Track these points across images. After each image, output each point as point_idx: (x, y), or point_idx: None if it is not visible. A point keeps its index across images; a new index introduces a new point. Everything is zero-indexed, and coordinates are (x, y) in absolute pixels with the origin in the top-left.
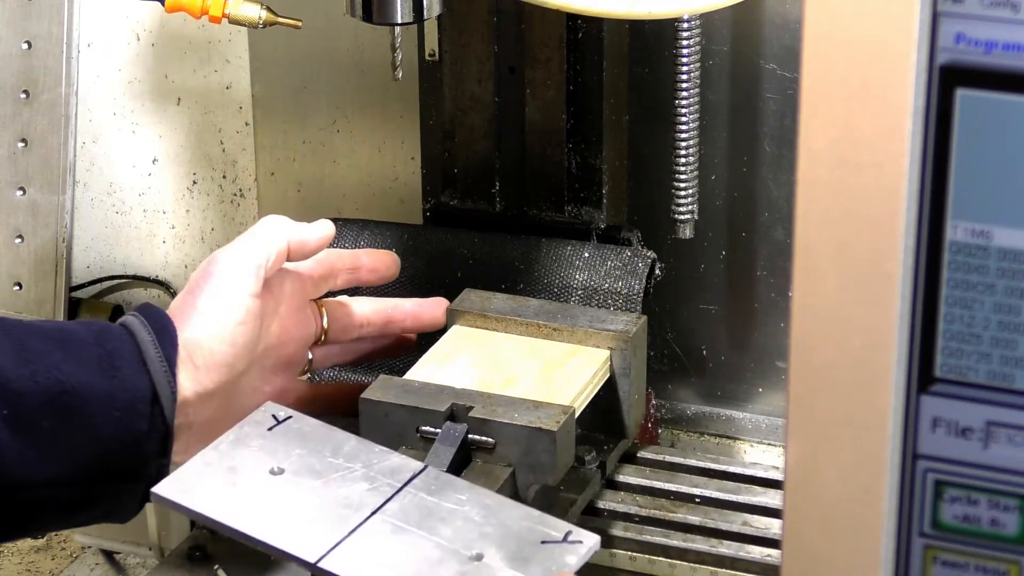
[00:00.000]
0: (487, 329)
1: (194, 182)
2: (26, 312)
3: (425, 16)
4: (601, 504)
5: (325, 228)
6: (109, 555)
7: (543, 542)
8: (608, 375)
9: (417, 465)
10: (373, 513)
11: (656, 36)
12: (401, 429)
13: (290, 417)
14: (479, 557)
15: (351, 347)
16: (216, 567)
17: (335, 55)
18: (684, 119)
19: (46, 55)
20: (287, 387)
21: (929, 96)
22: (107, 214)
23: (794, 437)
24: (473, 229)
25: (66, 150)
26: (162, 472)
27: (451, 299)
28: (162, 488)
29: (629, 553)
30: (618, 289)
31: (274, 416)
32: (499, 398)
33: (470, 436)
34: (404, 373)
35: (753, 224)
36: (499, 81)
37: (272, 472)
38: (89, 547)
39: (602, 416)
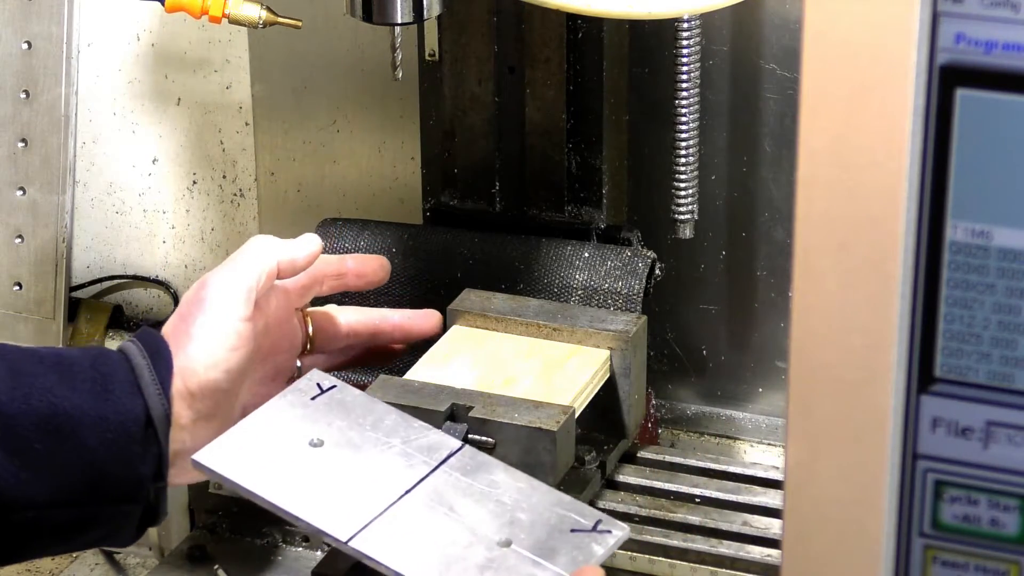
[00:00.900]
0: (487, 329)
1: (194, 182)
2: (26, 312)
3: (425, 16)
4: (601, 504)
5: (312, 244)
6: (109, 555)
7: (572, 530)
8: (608, 375)
9: (455, 443)
10: (407, 491)
11: (656, 36)
12: None
13: (334, 387)
14: (507, 543)
15: (338, 355)
16: (216, 567)
17: (335, 55)
18: (684, 119)
19: (46, 55)
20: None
21: (929, 96)
22: (107, 214)
23: (794, 437)
24: (473, 229)
25: (66, 150)
26: (160, 496)
27: (451, 299)
28: (202, 456)
29: (629, 553)
30: (618, 289)
31: (319, 385)
32: (499, 398)
33: (470, 436)
34: (404, 373)
35: (753, 224)
36: (499, 81)
37: (311, 444)
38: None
39: (602, 416)
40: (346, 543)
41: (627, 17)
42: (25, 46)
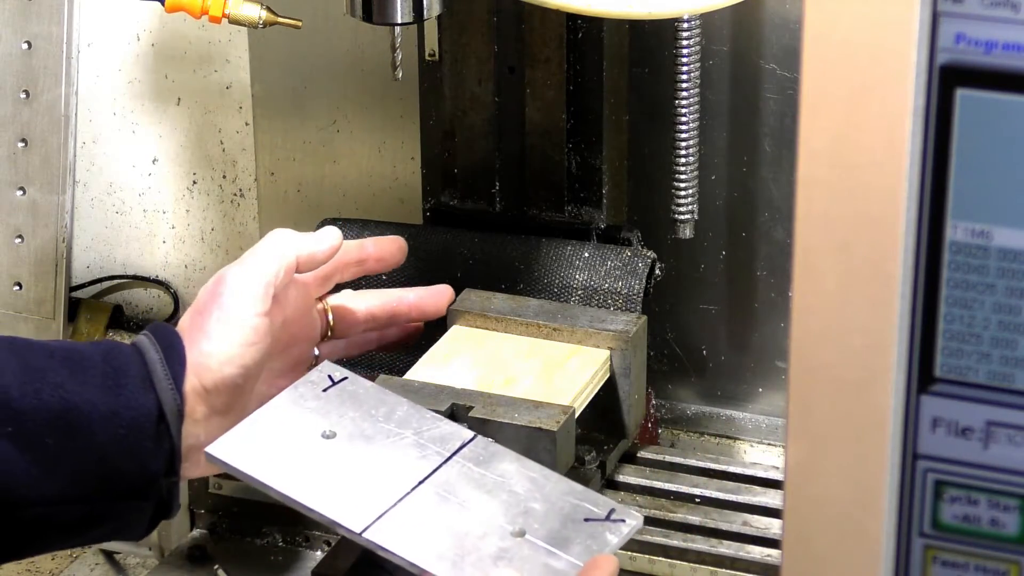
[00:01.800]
0: (487, 329)
1: (194, 182)
2: (26, 312)
3: (425, 16)
4: None
5: (333, 238)
6: (109, 555)
7: (586, 520)
8: (608, 375)
9: (468, 434)
10: (421, 482)
11: (656, 36)
12: None
13: (345, 378)
14: (521, 533)
15: (357, 340)
16: (216, 567)
17: (335, 55)
18: (684, 119)
19: (46, 55)
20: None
21: (929, 96)
22: (107, 214)
23: (794, 437)
24: (473, 229)
25: (66, 150)
26: (172, 491)
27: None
28: (215, 448)
29: (629, 553)
30: (618, 289)
31: (330, 377)
32: (499, 398)
33: None
34: (404, 373)
35: (753, 224)
36: (499, 81)
37: (324, 435)
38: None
39: (602, 416)
40: (360, 534)
41: (627, 17)
42: (25, 46)
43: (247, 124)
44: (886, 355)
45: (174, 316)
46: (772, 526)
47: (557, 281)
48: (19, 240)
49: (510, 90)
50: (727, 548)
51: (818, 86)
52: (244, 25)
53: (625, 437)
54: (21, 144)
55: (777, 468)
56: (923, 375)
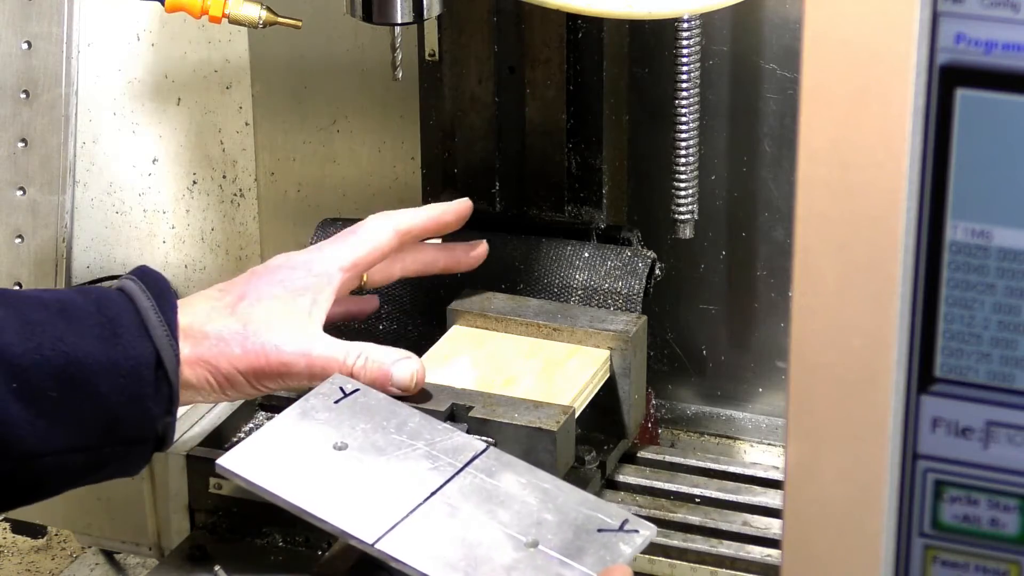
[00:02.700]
0: (487, 329)
1: (194, 182)
2: None
3: (425, 16)
4: None
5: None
6: (109, 555)
7: (599, 530)
8: (608, 375)
9: (480, 445)
10: (433, 494)
11: (656, 36)
12: None
13: (357, 390)
14: (534, 544)
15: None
16: (216, 567)
17: (335, 55)
18: (684, 119)
19: (46, 55)
20: None
21: (929, 96)
22: (107, 214)
23: (794, 437)
24: (473, 229)
25: (66, 150)
26: (167, 431)
27: (451, 299)
28: (226, 461)
29: None
30: (618, 289)
31: (341, 389)
32: (499, 398)
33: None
34: None
35: (753, 224)
36: (499, 81)
37: (336, 447)
38: (89, 547)
39: (602, 416)
40: (372, 545)
41: (627, 17)
42: (25, 46)
43: (247, 124)
44: (886, 355)
45: None
46: (772, 526)
47: (557, 281)
48: (19, 240)
49: (510, 90)
50: (727, 548)
51: (818, 86)
52: (244, 25)
53: (625, 437)
54: (21, 144)
55: (777, 468)
56: (923, 375)
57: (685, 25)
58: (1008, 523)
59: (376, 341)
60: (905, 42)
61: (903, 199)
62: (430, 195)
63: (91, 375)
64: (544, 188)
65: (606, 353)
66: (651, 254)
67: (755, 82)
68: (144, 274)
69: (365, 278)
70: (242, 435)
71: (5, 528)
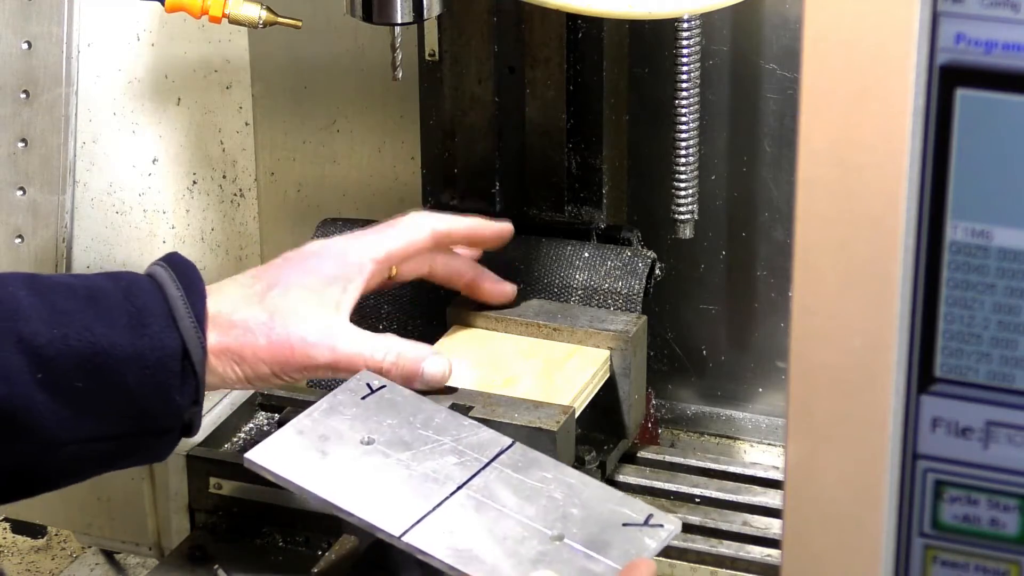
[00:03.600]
0: (487, 329)
1: (194, 182)
2: None
3: (425, 16)
4: None
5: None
6: (109, 555)
7: (624, 524)
8: (608, 375)
9: (505, 441)
10: (459, 488)
11: (656, 36)
12: None
13: (384, 387)
14: (560, 537)
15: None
16: (216, 567)
17: (335, 55)
18: (684, 119)
19: (46, 55)
20: None
21: (929, 96)
22: (107, 214)
23: (794, 437)
24: None
25: (66, 150)
26: (194, 419)
27: (451, 299)
28: (255, 455)
29: None
30: (618, 289)
31: (368, 385)
32: (499, 398)
33: None
34: None
35: (753, 224)
36: (499, 81)
37: (363, 442)
38: (89, 547)
39: (602, 416)
40: (399, 538)
41: (627, 17)
42: (25, 46)
43: (247, 124)
44: (886, 355)
45: None
46: (772, 526)
47: (557, 281)
48: (19, 240)
49: (510, 90)
50: (727, 548)
51: (818, 86)
52: (244, 25)
53: (625, 437)
54: (21, 144)
55: (777, 468)
56: (923, 375)
57: (685, 25)
58: (1008, 523)
59: None
60: (905, 42)
61: (903, 199)
62: (430, 195)
63: (118, 365)
64: (544, 188)
65: (606, 353)
66: (651, 254)
67: (755, 82)
68: (175, 263)
69: (395, 271)
70: (242, 435)
71: (5, 528)
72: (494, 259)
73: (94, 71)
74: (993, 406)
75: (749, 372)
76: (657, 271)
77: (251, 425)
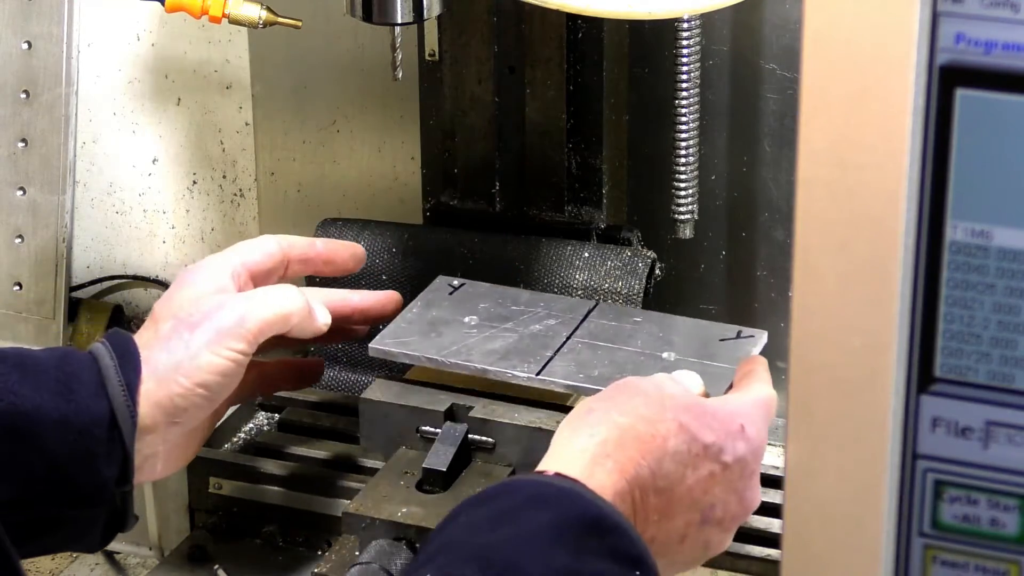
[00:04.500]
0: None
1: (194, 182)
2: (26, 312)
3: (425, 16)
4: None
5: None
6: (109, 555)
7: (721, 340)
8: None
9: (590, 302)
10: (568, 337)
11: (656, 36)
12: (401, 429)
13: (464, 284)
14: (671, 358)
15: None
16: (216, 567)
17: (335, 55)
18: (684, 119)
19: (46, 55)
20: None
21: (929, 96)
22: (107, 214)
23: (794, 437)
24: (473, 229)
25: (66, 150)
26: (126, 501)
27: None
28: (378, 342)
29: None
30: (618, 289)
31: (449, 284)
32: (499, 398)
33: (470, 436)
34: (405, 373)
35: (753, 224)
36: (499, 81)
37: (468, 321)
38: None
39: None
40: (536, 377)
41: (627, 17)
42: (25, 46)
43: (247, 124)
44: (886, 355)
45: None
46: (772, 525)
47: (557, 281)
48: (19, 240)
49: (510, 90)
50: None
51: (818, 86)
52: (244, 25)
53: None
54: (21, 144)
55: (777, 468)
56: (923, 375)
57: (685, 25)
58: (1008, 523)
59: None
60: (905, 42)
61: (903, 199)
62: (430, 195)
63: (39, 428)
64: (544, 188)
65: None
66: (651, 254)
67: (755, 82)
68: (113, 336)
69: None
70: (242, 435)
71: None
72: (494, 259)
73: (94, 71)
74: (993, 406)
75: None
76: (657, 271)
77: (251, 425)
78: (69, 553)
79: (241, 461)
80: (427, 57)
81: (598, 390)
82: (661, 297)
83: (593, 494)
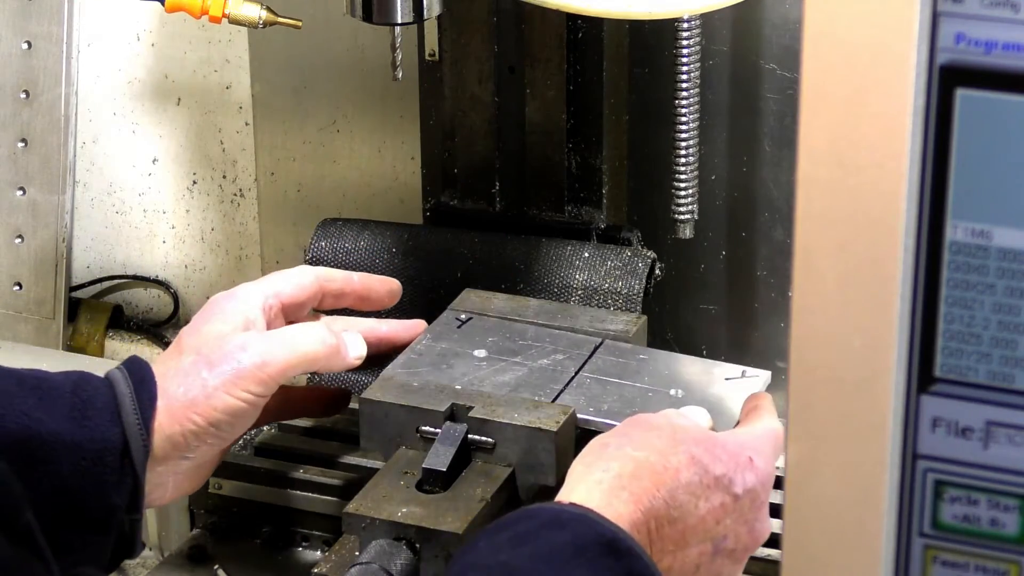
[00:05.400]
0: None
1: (194, 182)
2: (26, 312)
3: (425, 16)
4: None
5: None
6: None
7: (727, 379)
8: None
9: (596, 339)
10: (577, 373)
11: (656, 36)
12: (401, 429)
13: (471, 318)
14: (679, 394)
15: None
16: (216, 567)
17: (335, 55)
18: (684, 119)
19: (46, 55)
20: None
21: (929, 96)
22: (107, 214)
23: (794, 437)
24: (473, 229)
25: (66, 150)
26: (134, 528)
27: (451, 299)
28: (390, 371)
29: None
30: (618, 289)
31: (457, 319)
32: (499, 398)
33: (470, 436)
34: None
35: (753, 224)
36: (499, 81)
37: (477, 355)
38: None
39: None
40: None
41: (627, 17)
42: (25, 46)
43: (247, 124)
44: (886, 355)
45: (174, 316)
46: (772, 525)
47: (557, 281)
48: (19, 240)
49: (510, 90)
50: None
51: (818, 86)
52: (244, 25)
53: None
54: (21, 144)
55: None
56: (923, 375)
57: (685, 25)
58: (1008, 523)
59: None
60: (905, 42)
61: (903, 199)
62: (430, 195)
63: (52, 452)
64: (544, 188)
65: None
66: (651, 254)
67: (755, 82)
68: (131, 363)
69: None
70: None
71: None
72: (494, 259)
73: (94, 71)
74: (993, 406)
75: None
76: (657, 271)
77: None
78: None
79: (241, 461)
80: (427, 57)
81: (611, 425)
82: (661, 297)
83: (609, 521)
